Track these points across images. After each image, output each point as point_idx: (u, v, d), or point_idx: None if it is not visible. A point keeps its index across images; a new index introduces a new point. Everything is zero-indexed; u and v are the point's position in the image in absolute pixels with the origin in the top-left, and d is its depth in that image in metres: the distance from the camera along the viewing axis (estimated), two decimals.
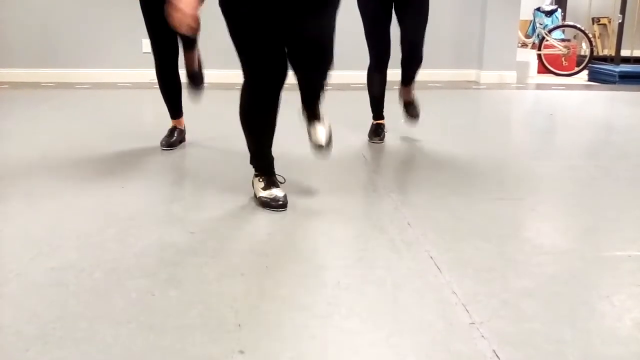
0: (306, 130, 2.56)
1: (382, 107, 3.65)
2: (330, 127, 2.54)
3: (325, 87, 2.50)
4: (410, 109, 3.65)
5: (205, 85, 3.54)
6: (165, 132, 3.40)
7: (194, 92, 3.51)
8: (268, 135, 2.50)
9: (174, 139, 3.37)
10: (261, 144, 2.51)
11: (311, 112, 2.52)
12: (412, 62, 3.46)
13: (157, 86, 3.33)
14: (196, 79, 3.46)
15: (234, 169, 2.99)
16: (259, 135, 2.50)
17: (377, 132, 3.62)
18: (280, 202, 2.41)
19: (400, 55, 3.43)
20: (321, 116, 2.53)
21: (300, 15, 2.28)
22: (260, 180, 2.50)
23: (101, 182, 2.78)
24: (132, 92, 5.25)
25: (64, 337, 1.50)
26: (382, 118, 3.67)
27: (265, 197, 2.44)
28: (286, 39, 2.31)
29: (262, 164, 2.53)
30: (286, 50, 2.33)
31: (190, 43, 3.28)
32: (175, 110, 3.40)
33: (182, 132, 3.44)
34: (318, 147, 2.52)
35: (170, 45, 3.15)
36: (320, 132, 2.51)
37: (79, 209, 2.43)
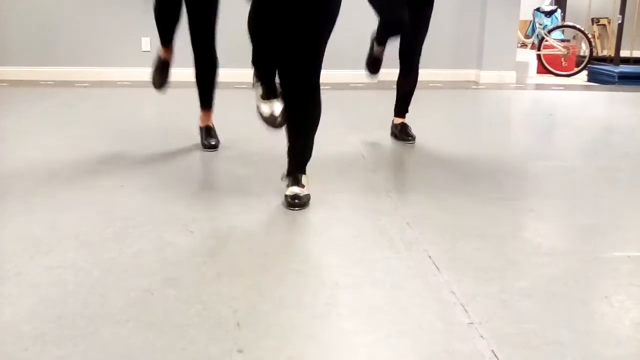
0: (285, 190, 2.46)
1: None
2: (308, 194, 2.44)
3: (311, 152, 2.50)
4: (404, 130, 3.60)
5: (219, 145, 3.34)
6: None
7: (210, 146, 3.30)
8: (274, 46, 2.43)
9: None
10: (267, 50, 2.44)
11: (293, 178, 2.45)
12: (407, 73, 3.49)
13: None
14: (210, 134, 3.31)
15: (234, 168, 2.99)
16: (265, 45, 2.43)
17: (372, 62, 3.55)
18: (278, 122, 2.41)
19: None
20: (304, 185, 2.45)
21: (294, 29, 2.30)
22: (260, 85, 2.46)
23: (100, 181, 2.78)
24: (131, 91, 5.24)
25: (62, 336, 1.50)
26: (384, 46, 3.51)
27: (262, 110, 2.43)
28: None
29: (263, 67, 2.46)
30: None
31: (209, 101, 3.27)
32: (167, 38, 3.19)
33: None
34: (291, 201, 2.40)
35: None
36: (296, 191, 2.41)
37: (77, 208, 2.43)
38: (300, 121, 2.49)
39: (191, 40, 3.14)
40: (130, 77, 5.69)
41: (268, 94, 2.45)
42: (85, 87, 5.54)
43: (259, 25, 2.39)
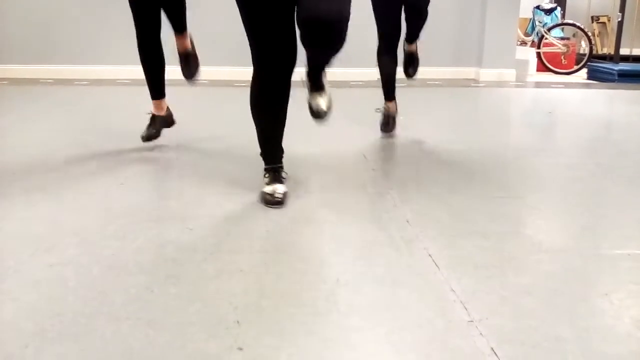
0: (307, 99, 2.42)
1: (394, 87, 3.62)
2: (330, 96, 2.41)
3: (333, 59, 2.32)
4: (410, 61, 3.60)
5: (199, 70, 3.36)
6: (164, 131, 3.38)
7: (189, 75, 3.35)
8: (277, 126, 2.49)
9: (154, 131, 3.25)
10: (269, 134, 2.50)
11: (315, 82, 2.39)
12: (416, 17, 3.41)
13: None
14: (189, 60, 3.31)
15: (233, 166, 2.99)
16: (268, 125, 2.49)
17: (386, 123, 3.60)
18: (277, 199, 2.41)
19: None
20: (324, 87, 2.41)
21: None
22: (267, 175, 2.51)
23: (100, 178, 2.78)
24: (131, 89, 5.24)
25: (62, 333, 1.50)
26: (393, 99, 3.63)
27: (265, 192, 2.45)
28: (297, 17, 2.19)
29: (270, 155, 2.53)
30: (297, 30, 2.24)
31: (180, 26, 3.20)
32: (157, 88, 3.24)
33: (164, 119, 3.31)
34: (317, 113, 2.39)
35: (152, 16, 3.07)
36: (321, 102, 2.38)
37: (77, 206, 2.43)
38: (325, 44, 2.23)
39: (139, 32, 3.13)
40: (130, 75, 5.69)
41: (274, 180, 2.48)
42: (85, 85, 5.54)
43: (262, 99, 2.41)
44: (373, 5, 3.42)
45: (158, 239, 2.10)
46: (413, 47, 3.61)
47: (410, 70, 3.64)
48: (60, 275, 1.81)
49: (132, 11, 3.09)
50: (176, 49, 3.32)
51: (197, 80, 3.36)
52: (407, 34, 3.57)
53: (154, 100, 3.30)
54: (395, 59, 3.53)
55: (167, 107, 3.35)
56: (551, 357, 1.44)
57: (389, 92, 3.63)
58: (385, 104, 3.64)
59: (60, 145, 3.33)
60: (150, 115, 3.31)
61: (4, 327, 1.53)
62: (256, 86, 2.40)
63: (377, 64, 3.56)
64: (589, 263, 1.98)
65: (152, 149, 3.28)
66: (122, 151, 3.24)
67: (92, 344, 1.46)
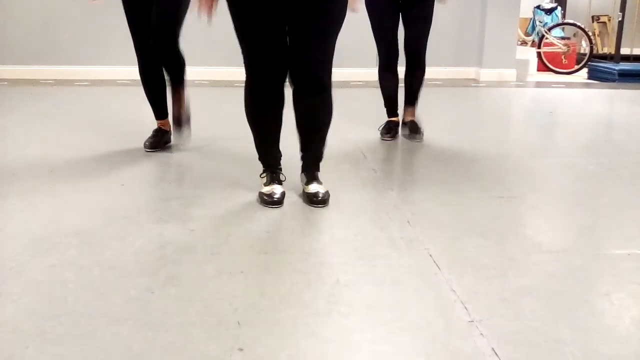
0: (302, 190, 2.52)
1: (396, 105, 3.67)
2: (328, 191, 2.48)
3: (324, 149, 2.52)
4: (413, 128, 3.62)
5: (189, 133, 3.36)
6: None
7: (179, 135, 3.35)
8: (272, 131, 2.50)
9: (158, 141, 3.28)
10: (266, 139, 2.52)
11: (310, 176, 2.51)
12: (414, 70, 3.52)
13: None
14: (180, 124, 3.32)
15: (233, 166, 2.99)
16: (263, 131, 2.50)
17: (388, 129, 3.62)
18: (275, 199, 2.42)
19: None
20: (319, 180, 2.52)
21: (301, 29, 2.29)
22: (264, 176, 2.52)
23: (101, 179, 2.78)
24: (131, 89, 5.24)
25: (63, 334, 1.50)
26: (396, 115, 3.68)
27: (263, 193, 2.45)
28: (288, 56, 2.33)
29: (267, 159, 2.54)
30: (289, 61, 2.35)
31: (177, 80, 3.22)
32: (160, 110, 3.31)
33: (166, 134, 3.34)
34: (314, 199, 2.44)
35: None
36: (318, 189, 2.46)
37: (78, 207, 2.43)
38: (311, 121, 2.47)
39: (141, 59, 3.17)
40: (130, 75, 5.67)
41: (272, 181, 2.49)
42: (85, 85, 5.54)
43: (256, 106, 2.43)
44: (372, 27, 3.45)
45: (158, 240, 2.10)
46: (414, 118, 3.62)
47: (417, 138, 3.59)
48: (61, 276, 1.81)
49: (134, 42, 3.13)
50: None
51: (187, 140, 3.36)
52: (406, 94, 3.60)
53: (158, 122, 3.34)
54: (396, 75, 3.56)
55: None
56: (551, 357, 1.44)
57: (392, 108, 3.67)
58: (388, 119, 3.66)
59: (60, 146, 3.33)
60: (156, 127, 3.33)
61: (4, 328, 1.53)
62: (249, 93, 2.42)
63: (378, 80, 3.59)
64: (589, 263, 1.98)
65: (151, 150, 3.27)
66: (122, 151, 3.24)
67: (92, 345, 1.46)
